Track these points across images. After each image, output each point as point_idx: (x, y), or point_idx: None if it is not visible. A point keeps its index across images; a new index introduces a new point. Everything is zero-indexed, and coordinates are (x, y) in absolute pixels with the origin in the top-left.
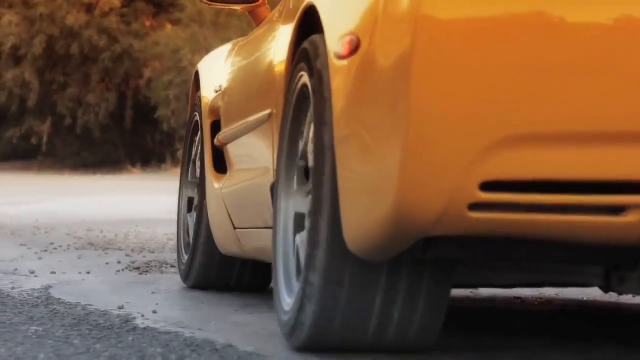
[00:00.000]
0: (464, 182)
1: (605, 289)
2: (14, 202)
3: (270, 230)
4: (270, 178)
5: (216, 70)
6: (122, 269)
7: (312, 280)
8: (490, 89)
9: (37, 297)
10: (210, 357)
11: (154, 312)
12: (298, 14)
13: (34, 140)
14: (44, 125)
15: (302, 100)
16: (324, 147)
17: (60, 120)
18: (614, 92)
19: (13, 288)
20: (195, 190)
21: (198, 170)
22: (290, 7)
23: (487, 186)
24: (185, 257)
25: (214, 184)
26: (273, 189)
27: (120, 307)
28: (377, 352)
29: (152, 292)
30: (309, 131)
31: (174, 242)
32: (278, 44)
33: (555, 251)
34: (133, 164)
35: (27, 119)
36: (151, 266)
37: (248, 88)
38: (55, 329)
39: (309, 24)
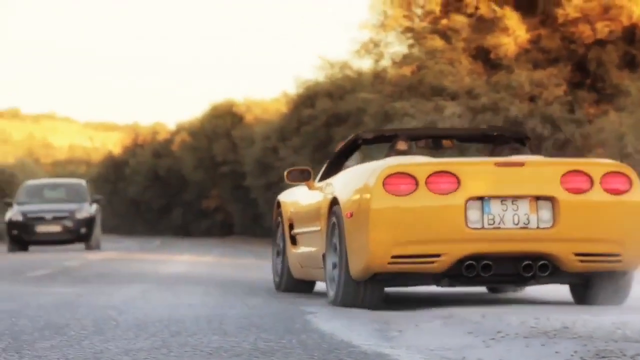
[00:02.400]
0: (385, 256)
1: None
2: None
3: (317, 269)
4: (321, 252)
5: (289, 200)
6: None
7: (340, 285)
8: (394, 228)
9: None
10: None
11: None
12: (331, 197)
13: None
14: None
15: (333, 228)
16: (342, 244)
17: None
18: (434, 227)
19: None
20: (280, 251)
21: (281, 244)
22: (326, 192)
23: (393, 257)
24: (277, 279)
25: (292, 250)
26: (323, 255)
27: None
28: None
29: None
30: (336, 239)
31: (622, 332)
32: (324, 200)
33: (419, 274)
34: None
35: None
36: (601, 356)
37: (310, 214)
38: None
39: (335, 200)
